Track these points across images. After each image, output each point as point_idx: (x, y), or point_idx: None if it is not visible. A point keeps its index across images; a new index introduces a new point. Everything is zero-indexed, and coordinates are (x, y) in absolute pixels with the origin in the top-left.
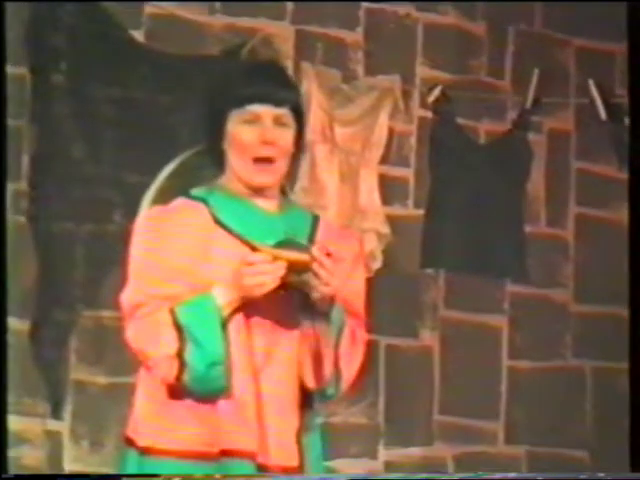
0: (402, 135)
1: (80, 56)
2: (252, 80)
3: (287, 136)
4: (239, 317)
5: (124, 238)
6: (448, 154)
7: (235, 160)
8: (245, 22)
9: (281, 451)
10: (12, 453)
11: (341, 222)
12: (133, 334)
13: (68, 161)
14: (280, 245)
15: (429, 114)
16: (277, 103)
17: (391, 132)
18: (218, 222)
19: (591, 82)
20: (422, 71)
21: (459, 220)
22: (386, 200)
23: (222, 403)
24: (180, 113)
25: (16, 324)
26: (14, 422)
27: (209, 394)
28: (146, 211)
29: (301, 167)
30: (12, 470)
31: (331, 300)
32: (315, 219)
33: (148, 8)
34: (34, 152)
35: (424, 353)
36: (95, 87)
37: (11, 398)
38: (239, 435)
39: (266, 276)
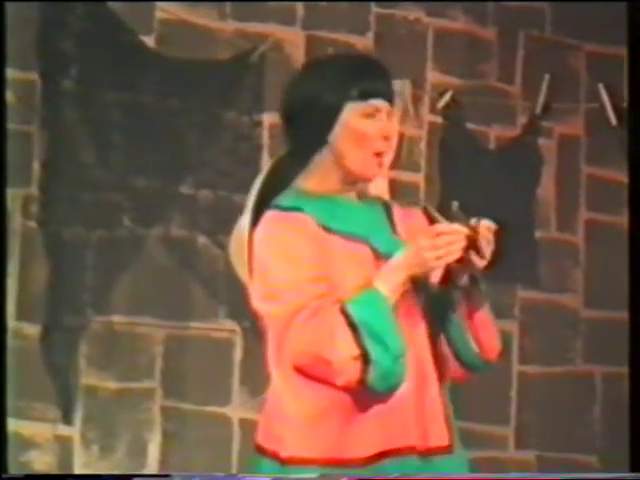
0: (412, 140)
1: (90, 61)
2: (368, 75)
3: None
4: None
5: (134, 242)
6: (458, 159)
7: (352, 152)
8: (255, 27)
9: (435, 435)
10: (23, 458)
11: None
12: (307, 337)
13: (78, 166)
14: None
15: (439, 119)
16: (388, 98)
17: (401, 137)
18: (328, 229)
19: (601, 87)
20: (432, 76)
21: None
22: None
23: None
24: (190, 118)
25: (26, 329)
26: (25, 427)
27: (391, 390)
28: (263, 216)
29: None
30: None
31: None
32: (387, 205)
33: (159, 13)
34: (44, 157)
35: None
36: (105, 92)
37: (21, 403)
38: (400, 431)
39: (453, 246)
